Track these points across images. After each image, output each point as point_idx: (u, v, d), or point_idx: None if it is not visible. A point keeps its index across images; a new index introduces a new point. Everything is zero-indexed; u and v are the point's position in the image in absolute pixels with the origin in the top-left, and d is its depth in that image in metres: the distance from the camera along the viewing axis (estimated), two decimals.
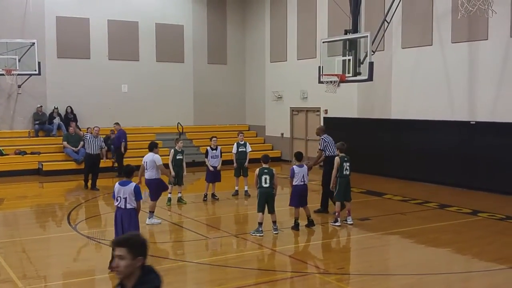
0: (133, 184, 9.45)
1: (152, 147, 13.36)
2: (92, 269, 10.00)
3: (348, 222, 12.98)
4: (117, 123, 22.18)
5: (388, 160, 20.65)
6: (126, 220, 9.39)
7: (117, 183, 9.57)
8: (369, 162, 20.62)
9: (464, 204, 15.53)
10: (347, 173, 13.02)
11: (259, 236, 11.86)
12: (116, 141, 21.74)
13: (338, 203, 13.02)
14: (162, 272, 9.74)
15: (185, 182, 16.54)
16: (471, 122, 17.83)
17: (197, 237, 12.32)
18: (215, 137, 16.61)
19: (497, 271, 9.89)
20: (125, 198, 9.37)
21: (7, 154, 22.15)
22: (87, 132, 19.14)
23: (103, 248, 10.92)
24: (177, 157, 15.36)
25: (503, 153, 16.91)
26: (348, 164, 13.06)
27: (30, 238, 12.25)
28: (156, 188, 13.26)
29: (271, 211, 12.09)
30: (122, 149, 21.40)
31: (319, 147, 14.65)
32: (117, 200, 9.45)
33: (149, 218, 13.13)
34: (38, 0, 23.77)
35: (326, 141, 14.47)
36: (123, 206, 9.40)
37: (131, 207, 9.41)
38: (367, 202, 15.85)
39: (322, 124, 23.77)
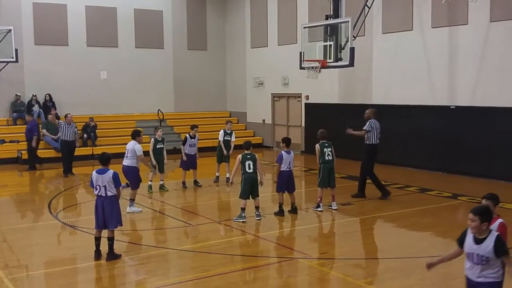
0: (111, 172, 9.40)
1: (135, 135, 13.23)
2: (74, 258, 9.93)
3: (333, 208, 13.04)
4: (29, 114, 21.46)
5: None
6: (108, 207, 9.38)
7: (94, 172, 9.48)
8: (350, 148, 20.59)
9: (445, 188, 15.69)
10: (329, 158, 12.98)
11: (242, 222, 11.88)
12: (27, 134, 20.34)
13: (320, 189, 13.06)
14: (145, 260, 9.80)
15: (167, 169, 16.49)
16: (451, 107, 17.96)
17: (180, 224, 12.30)
18: (197, 126, 16.52)
19: None
20: (105, 186, 9.33)
21: None
22: (60, 121, 19.23)
23: (85, 237, 10.85)
24: (158, 146, 15.28)
25: (483, 137, 17.07)
26: (329, 149, 13.02)
27: (11, 228, 12.11)
28: (136, 176, 13.15)
29: (255, 196, 12.10)
30: (34, 142, 20.20)
31: (365, 127, 14.40)
32: (96, 189, 9.40)
33: (129, 207, 13.07)
34: None
35: (372, 127, 14.31)
36: (103, 194, 9.36)
37: (111, 194, 9.39)
38: (348, 187, 15.90)
39: (304, 110, 23.86)
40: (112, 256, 9.48)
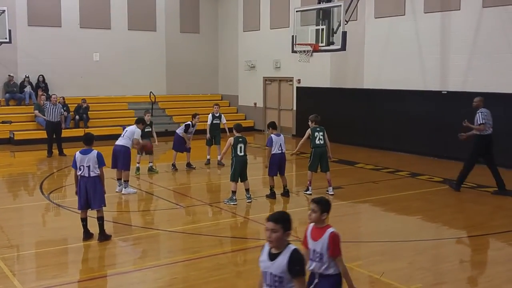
0: (95, 152, 9.44)
1: (139, 121, 13.71)
2: (65, 238, 9.98)
3: (329, 193, 12.99)
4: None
5: (360, 129, 20.82)
6: (91, 188, 9.40)
7: (77, 152, 9.49)
8: (341, 132, 20.74)
9: (435, 172, 15.79)
10: (321, 142, 12.93)
11: (233, 204, 11.95)
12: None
13: (310, 173, 13.08)
14: (135, 241, 9.86)
15: (158, 151, 16.52)
16: (443, 92, 18.02)
17: (170, 205, 12.35)
18: (199, 115, 16.53)
19: (468, 238, 10.17)
20: (88, 167, 9.35)
21: None
22: (46, 101, 19.27)
23: (76, 217, 10.87)
24: (146, 130, 15.27)
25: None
26: (321, 133, 12.95)
27: (2, 208, 12.12)
28: (128, 157, 13.23)
29: (244, 178, 12.17)
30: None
31: (478, 120, 13.27)
32: (79, 169, 9.39)
33: (124, 188, 13.15)
34: None
35: (485, 117, 13.22)
36: (86, 175, 9.36)
37: (95, 174, 9.40)
38: (339, 171, 15.98)
39: (295, 94, 23.86)
40: (103, 236, 9.53)
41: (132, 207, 12.40)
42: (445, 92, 17.95)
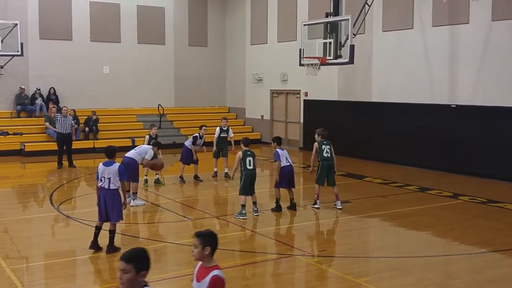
0: (117, 164, 9.54)
1: (155, 144, 14.09)
2: (74, 250, 10.01)
3: (337, 207, 12.97)
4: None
5: (368, 143, 20.79)
6: (110, 200, 9.48)
7: (100, 164, 9.60)
8: (349, 145, 20.73)
9: (445, 187, 15.68)
10: (328, 155, 12.90)
11: (243, 219, 11.93)
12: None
13: (317, 186, 13.05)
14: None
15: (165, 163, 16.54)
16: (452, 106, 17.99)
17: (178, 218, 12.37)
18: (205, 126, 16.61)
19: (478, 255, 10.02)
20: (109, 178, 9.43)
21: None
22: (57, 113, 19.44)
23: (85, 229, 10.93)
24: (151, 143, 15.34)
25: (483, 136, 17.10)
26: (328, 147, 12.95)
27: (13, 219, 12.21)
28: (136, 169, 13.32)
29: (252, 192, 12.18)
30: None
31: None
32: (101, 181, 9.49)
33: (133, 200, 13.20)
34: None
35: None
36: (106, 186, 9.45)
37: (114, 187, 9.48)
38: (347, 185, 15.96)
39: (302, 107, 23.87)
40: (112, 248, 9.56)
41: (139, 219, 12.42)
42: (454, 106, 17.91)
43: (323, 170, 12.95)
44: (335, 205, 13.05)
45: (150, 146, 13.69)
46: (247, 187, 12.05)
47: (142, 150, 13.34)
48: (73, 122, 19.69)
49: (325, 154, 12.93)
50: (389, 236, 11.30)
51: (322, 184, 13.05)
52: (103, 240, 9.64)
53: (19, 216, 12.79)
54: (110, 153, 9.75)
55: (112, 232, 9.61)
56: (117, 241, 9.89)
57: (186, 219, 12.26)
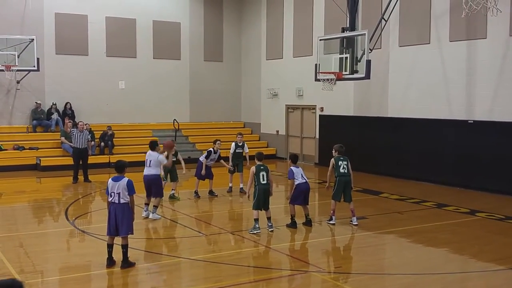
0: (125, 179, 9.53)
1: (154, 145, 13.63)
2: (89, 264, 9.98)
3: (353, 223, 12.85)
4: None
5: (384, 158, 20.67)
6: (120, 214, 9.47)
7: (110, 179, 9.61)
8: (365, 161, 20.62)
9: (462, 203, 15.53)
10: (345, 171, 12.80)
11: (257, 232, 11.85)
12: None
13: (333, 202, 12.94)
14: (158, 269, 9.81)
15: (180, 179, 16.57)
16: (469, 121, 17.84)
17: (193, 233, 12.30)
18: (219, 140, 16.56)
19: (496, 272, 9.87)
20: (119, 193, 9.45)
21: (6, 149, 22.21)
22: (73, 128, 19.53)
23: (100, 244, 10.90)
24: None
25: (501, 152, 16.92)
26: (345, 163, 12.85)
27: (28, 233, 12.22)
28: (161, 184, 13.60)
29: (266, 207, 12.10)
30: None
31: None
32: (111, 196, 9.53)
33: (152, 213, 13.35)
34: None
35: None
36: (117, 201, 9.48)
37: (124, 201, 9.48)
38: (364, 201, 15.84)
39: (318, 122, 23.79)
40: (127, 264, 9.52)
41: (154, 234, 12.38)
42: (472, 122, 17.76)
43: (340, 186, 12.82)
44: (351, 221, 12.92)
45: (156, 153, 13.45)
46: (261, 202, 11.97)
47: (155, 161, 13.32)
48: (89, 136, 19.75)
49: (341, 170, 12.81)
50: (406, 252, 11.16)
51: (339, 200, 12.92)
52: (118, 255, 9.60)
53: (35, 230, 12.80)
54: (119, 168, 9.75)
55: (124, 247, 9.56)
56: (132, 256, 9.85)
57: (201, 235, 12.20)
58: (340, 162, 12.85)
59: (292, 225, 12.53)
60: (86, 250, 11.16)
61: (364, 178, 18.84)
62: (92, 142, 22.01)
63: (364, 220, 13.40)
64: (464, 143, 17.98)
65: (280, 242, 11.52)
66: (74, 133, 19.07)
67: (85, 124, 20.19)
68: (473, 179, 17.63)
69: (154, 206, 13.39)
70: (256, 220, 11.96)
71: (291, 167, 12.55)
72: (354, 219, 12.92)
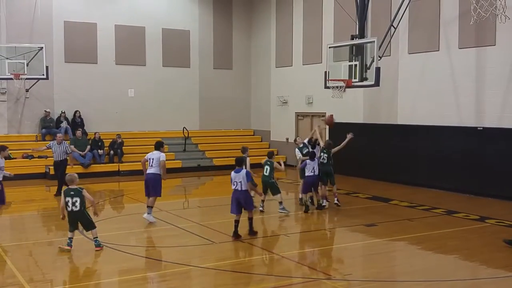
0: (244, 171, 11.82)
1: (159, 146, 13.96)
2: (98, 273, 10.00)
3: (322, 204, 15.29)
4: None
5: (394, 165, 20.59)
6: (242, 198, 11.82)
7: (232, 172, 11.89)
8: (375, 168, 20.57)
9: (472, 210, 15.47)
10: (324, 161, 15.47)
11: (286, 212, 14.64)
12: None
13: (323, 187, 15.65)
14: (167, 277, 9.80)
15: (190, 187, 16.57)
16: (479, 128, 17.77)
17: (203, 241, 12.28)
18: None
19: (506, 279, 9.82)
20: (240, 182, 11.73)
21: (15, 158, 22.23)
22: (52, 140, 18.95)
23: (110, 252, 10.91)
24: None
25: (510, 159, 16.83)
26: (326, 155, 15.51)
27: (37, 242, 12.24)
28: (160, 184, 13.69)
29: (273, 194, 14.92)
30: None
31: None
32: (233, 184, 11.83)
33: (147, 214, 13.46)
34: (47, 5, 23.92)
35: None
36: (239, 188, 11.80)
37: (245, 188, 11.80)
38: (373, 208, 15.80)
39: (328, 129, 23.75)
40: (252, 233, 12.32)
41: (164, 242, 12.36)
42: (481, 128, 17.69)
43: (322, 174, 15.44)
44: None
45: (158, 152, 13.74)
46: (264, 190, 14.60)
47: (156, 160, 13.60)
48: (68, 149, 18.54)
49: (321, 161, 15.43)
50: (416, 259, 11.10)
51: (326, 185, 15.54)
52: (122, 257, 9.60)
53: (44, 239, 12.79)
54: (239, 162, 12.03)
55: (250, 220, 12.31)
56: (141, 264, 9.85)
57: (211, 243, 12.17)
58: (321, 154, 15.66)
59: (306, 209, 15.04)
60: (95, 258, 11.16)
61: (373, 185, 18.79)
62: (101, 151, 22.12)
63: (374, 227, 13.38)
64: (474, 150, 17.90)
65: (290, 249, 11.52)
66: (52, 145, 18.20)
67: (94, 133, 19.94)
68: (483, 185, 17.54)
69: (148, 206, 13.51)
70: (262, 201, 14.82)
71: (307, 160, 15.06)
72: (324, 201, 15.43)
